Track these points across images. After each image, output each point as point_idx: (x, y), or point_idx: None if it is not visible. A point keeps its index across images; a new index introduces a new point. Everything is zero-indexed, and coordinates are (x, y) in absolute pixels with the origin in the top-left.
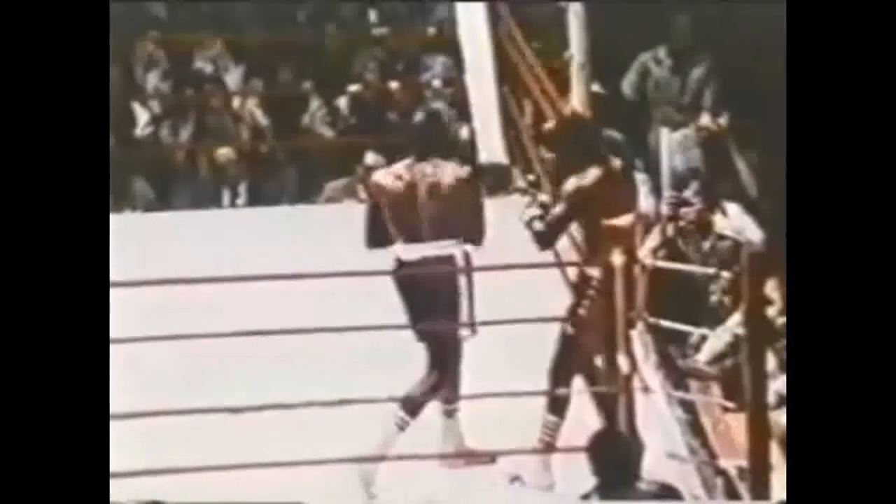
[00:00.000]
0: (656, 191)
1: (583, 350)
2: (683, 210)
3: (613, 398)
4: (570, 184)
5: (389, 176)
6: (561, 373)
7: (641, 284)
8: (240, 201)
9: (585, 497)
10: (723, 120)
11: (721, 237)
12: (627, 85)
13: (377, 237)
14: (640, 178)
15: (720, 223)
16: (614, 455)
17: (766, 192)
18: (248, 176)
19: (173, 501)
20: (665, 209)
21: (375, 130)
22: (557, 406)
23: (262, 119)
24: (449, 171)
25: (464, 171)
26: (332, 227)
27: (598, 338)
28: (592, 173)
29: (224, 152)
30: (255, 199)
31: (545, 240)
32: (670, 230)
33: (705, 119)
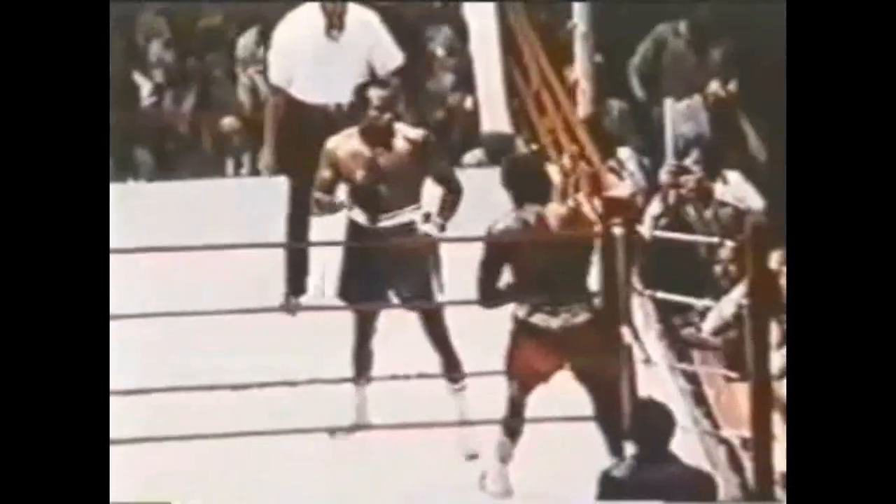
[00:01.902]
0: (653, 163)
1: (521, 384)
2: (684, 178)
3: (611, 376)
4: (491, 231)
5: None
6: (512, 405)
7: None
8: (243, 171)
9: (618, 464)
10: (731, 86)
11: (722, 204)
12: (641, 53)
13: None
14: (625, 153)
15: (721, 190)
16: (653, 423)
17: (772, 161)
18: (251, 146)
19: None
20: (665, 177)
21: None
22: (512, 430)
23: (264, 88)
24: None
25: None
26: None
27: (532, 379)
28: (511, 219)
29: (227, 122)
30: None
31: (484, 296)
32: (671, 198)
33: (714, 86)
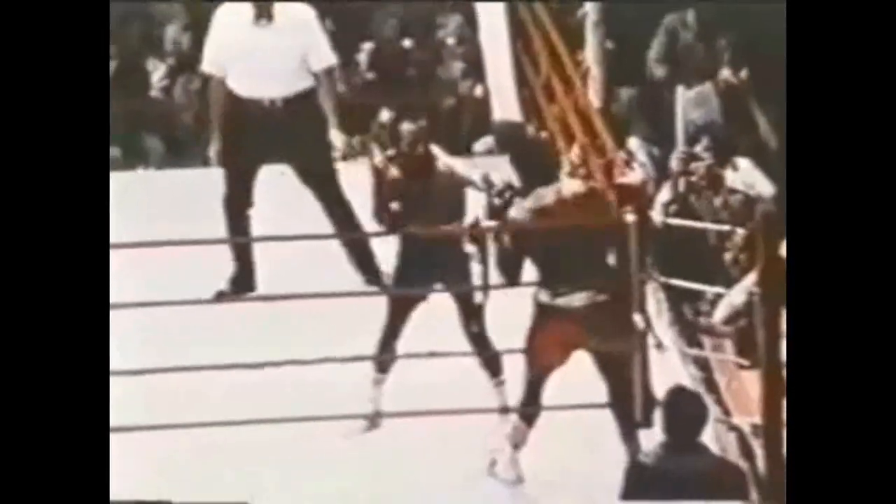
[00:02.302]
0: (663, 150)
1: (539, 367)
2: (694, 165)
3: (627, 358)
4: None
5: None
6: (529, 389)
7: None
8: None
9: (647, 453)
10: (743, 73)
11: (732, 191)
12: (657, 48)
13: None
14: (635, 143)
15: (731, 177)
16: (684, 412)
17: (783, 148)
18: None
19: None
20: (675, 164)
21: (393, 87)
22: (528, 415)
23: None
24: None
25: None
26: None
27: (551, 360)
28: (524, 208)
29: None
30: None
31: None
32: (681, 185)
33: (725, 73)
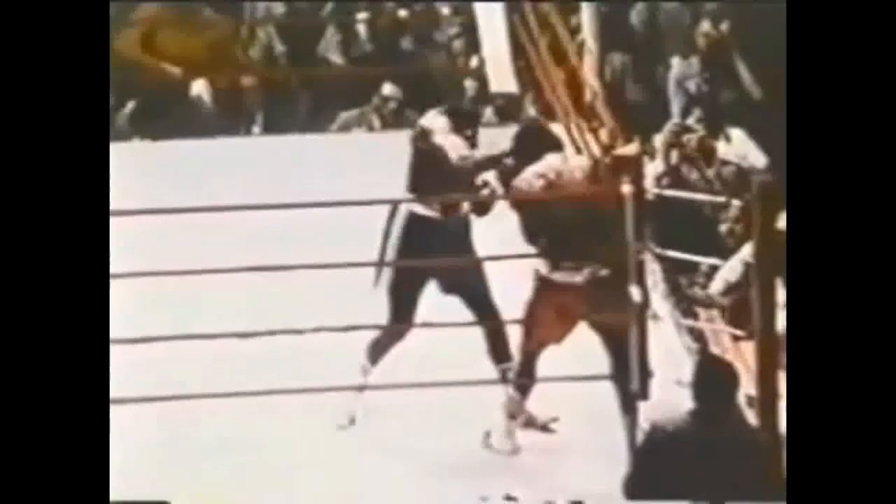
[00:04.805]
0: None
1: (536, 341)
2: (686, 137)
3: (623, 330)
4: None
5: None
6: (524, 361)
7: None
8: (256, 129)
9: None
10: (724, 26)
11: (725, 163)
12: (636, 14)
13: None
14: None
15: (723, 149)
16: (714, 381)
17: (770, 115)
18: (261, 105)
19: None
20: (667, 136)
21: (392, 59)
22: (523, 386)
23: (279, 46)
24: None
25: None
26: (342, 156)
27: (548, 335)
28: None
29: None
30: (269, 128)
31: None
32: (674, 157)
33: (705, 26)
